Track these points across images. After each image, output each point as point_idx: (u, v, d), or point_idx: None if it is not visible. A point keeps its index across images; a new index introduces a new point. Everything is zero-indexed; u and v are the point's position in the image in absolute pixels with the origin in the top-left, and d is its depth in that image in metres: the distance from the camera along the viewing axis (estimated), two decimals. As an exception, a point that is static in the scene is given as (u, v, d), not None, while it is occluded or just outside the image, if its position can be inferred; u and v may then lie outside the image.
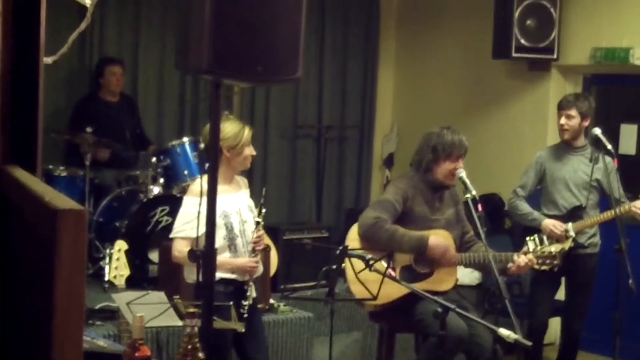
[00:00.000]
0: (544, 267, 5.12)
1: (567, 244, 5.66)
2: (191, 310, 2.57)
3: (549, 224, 5.74)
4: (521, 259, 4.87)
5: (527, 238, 5.64)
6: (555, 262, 5.03)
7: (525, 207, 5.89)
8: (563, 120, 5.80)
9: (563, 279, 5.97)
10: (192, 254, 3.98)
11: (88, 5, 2.24)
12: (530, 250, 5.19)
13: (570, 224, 5.72)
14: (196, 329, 2.58)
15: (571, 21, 7.18)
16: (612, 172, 5.74)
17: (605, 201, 5.83)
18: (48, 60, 2.30)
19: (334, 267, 4.36)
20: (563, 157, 5.91)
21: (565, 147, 5.92)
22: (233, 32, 2.79)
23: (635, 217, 5.52)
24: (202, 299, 3.22)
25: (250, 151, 4.56)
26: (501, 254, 4.94)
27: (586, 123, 5.83)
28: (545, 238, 5.62)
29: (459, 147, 4.99)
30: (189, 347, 2.58)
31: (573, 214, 5.80)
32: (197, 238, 4.08)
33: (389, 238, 4.87)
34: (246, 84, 3.36)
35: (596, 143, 5.60)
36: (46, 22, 2.04)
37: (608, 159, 5.66)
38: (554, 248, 5.15)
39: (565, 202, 5.85)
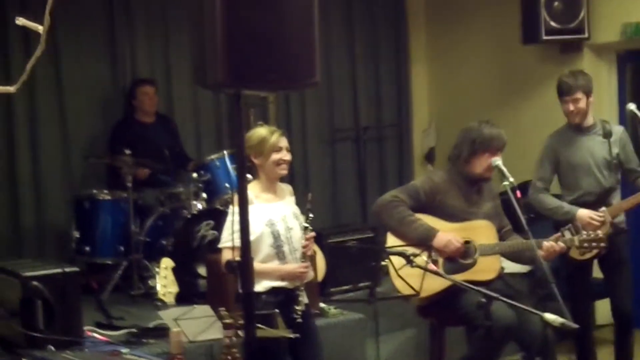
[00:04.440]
0: (589, 254, 5.05)
1: (606, 230, 5.41)
2: (227, 321, 2.61)
3: (585, 215, 5.50)
4: (549, 245, 4.84)
5: (563, 229, 5.53)
6: (602, 244, 4.94)
7: (552, 200, 5.69)
8: (572, 107, 5.56)
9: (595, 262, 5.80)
10: (228, 264, 4.00)
11: (40, 32, 2.28)
12: (568, 239, 5.12)
13: (604, 209, 5.51)
14: (234, 339, 2.62)
15: (598, -1, 7.12)
16: (627, 143, 5.64)
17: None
18: (11, 89, 2.36)
19: (373, 264, 4.38)
20: (576, 141, 5.67)
21: (575, 130, 5.68)
22: (246, 44, 2.83)
23: None
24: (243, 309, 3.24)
25: (279, 156, 4.53)
26: (540, 240, 4.90)
27: (591, 99, 5.63)
28: (580, 228, 5.38)
29: (498, 139, 4.99)
30: (228, 357, 2.62)
31: (603, 198, 5.61)
32: (233, 248, 4.07)
33: (398, 221, 4.92)
34: (265, 93, 3.39)
35: (632, 119, 5.50)
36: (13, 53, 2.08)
37: (619, 128, 5.55)
38: (600, 232, 5.07)
39: (589, 186, 5.63)
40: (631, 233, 5.91)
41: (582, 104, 5.57)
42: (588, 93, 5.59)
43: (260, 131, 4.55)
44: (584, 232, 5.01)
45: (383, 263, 4.53)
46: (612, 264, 5.69)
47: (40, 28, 2.25)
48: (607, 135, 5.57)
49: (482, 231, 4.99)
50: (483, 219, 5.02)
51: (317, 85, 3.07)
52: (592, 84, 5.68)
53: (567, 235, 5.26)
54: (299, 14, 2.92)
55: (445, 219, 4.98)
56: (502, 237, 5.08)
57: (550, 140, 5.81)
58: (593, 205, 5.57)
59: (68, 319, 4.88)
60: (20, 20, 2.33)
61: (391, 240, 4.97)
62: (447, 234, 4.89)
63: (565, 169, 5.72)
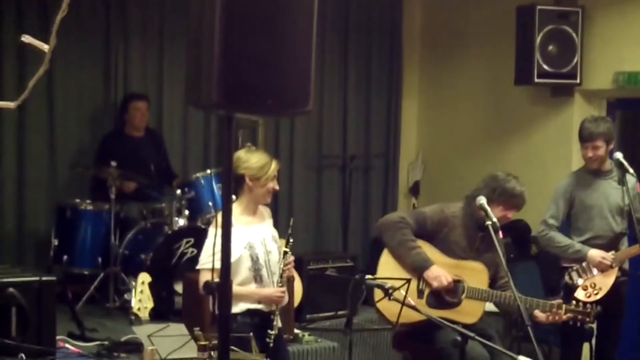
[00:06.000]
0: (594, 296, 5.04)
1: (613, 276, 5.47)
2: (202, 342, 2.60)
3: (597, 255, 5.49)
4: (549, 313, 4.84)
5: (570, 269, 5.53)
6: (588, 319, 4.89)
7: (563, 238, 5.65)
8: (590, 153, 5.56)
9: None
10: (206, 286, 3.97)
11: (46, 51, 2.29)
12: (577, 283, 5.08)
13: (613, 252, 5.51)
14: (208, 361, 2.61)
15: (593, 46, 7.17)
16: (637, 195, 5.61)
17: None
18: (11, 104, 2.36)
19: (351, 294, 4.38)
20: (592, 183, 5.68)
21: (593, 173, 5.69)
22: (243, 67, 2.82)
23: None
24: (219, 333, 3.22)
25: (273, 185, 4.55)
26: (530, 299, 4.90)
27: (611, 146, 5.65)
28: (590, 268, 5.48)
29: (518, 198, 5.01)
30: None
31: (613, 243, 5.60)
32: (212, 269, 4.06)
33: (399, 243, 4.96)
34: (257, 117, 3.38)
35: (619, 167, 5.51)
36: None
37: (633, 178, 5.58)
38: (600, 291, 5.07)
39: (600, 229, 5.62)
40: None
41: (601, 151, 5.58)
42: (609, 140, 5.59)
43: (261, 156, 4.54)
44: (573, 303, 4.97)
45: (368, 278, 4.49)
46: (611, 314, 5.56)
47: (45, 47, 2.25)
48: (622, 182, 5.53)
49: (474, 273, 4.99)
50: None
51: (309, 113, 3.06)
52: (614, 131, 5.71)
53: (575, 276, 5.25)
54: (298, 42, 2.91)
55: (444, 252, 5.01)
56: (498, 288, 5.06)
57: (567, 180, 5.82)
58: (605, 248, 5.56)
59: (42, 329, 4.84)
60: (27, 38, 2.33)
61: (386, 259, 5.01)
62: (441, 269, 4.91)
63: (579, 210, 5.71)
